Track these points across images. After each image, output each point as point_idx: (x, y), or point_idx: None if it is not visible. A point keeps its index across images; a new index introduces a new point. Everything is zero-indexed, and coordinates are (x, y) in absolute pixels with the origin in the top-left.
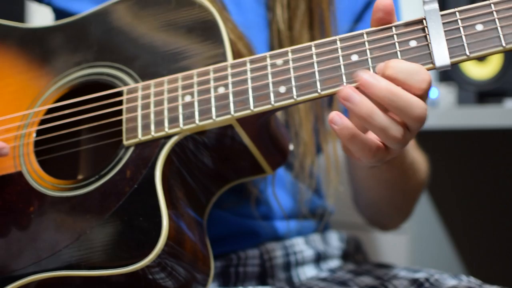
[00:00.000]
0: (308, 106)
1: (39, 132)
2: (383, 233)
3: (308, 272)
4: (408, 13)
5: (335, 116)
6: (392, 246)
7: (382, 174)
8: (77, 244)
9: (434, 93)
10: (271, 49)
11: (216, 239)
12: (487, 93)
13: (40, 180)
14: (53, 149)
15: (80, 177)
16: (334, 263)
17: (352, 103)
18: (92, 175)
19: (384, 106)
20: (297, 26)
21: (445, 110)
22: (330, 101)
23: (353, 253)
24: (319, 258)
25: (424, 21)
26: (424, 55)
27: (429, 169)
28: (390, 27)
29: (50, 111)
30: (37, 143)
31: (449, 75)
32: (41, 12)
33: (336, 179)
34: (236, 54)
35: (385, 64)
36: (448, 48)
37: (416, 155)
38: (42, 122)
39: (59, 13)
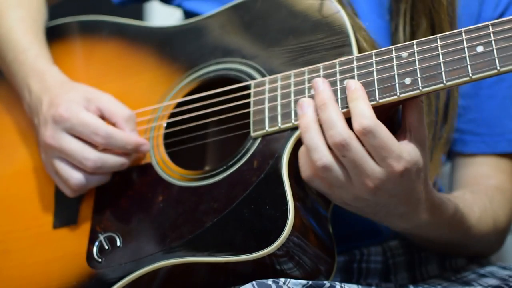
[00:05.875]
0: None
1: (168, 125)
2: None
3: (431, 271)
4: None
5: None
6: None
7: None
8: (204, 232)
9: None
10: None
11: (339, 236)
12: None
13: (168, 170)
14: (181, 141)
15: (207, 167)
16: (459, 263)
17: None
18: (219, 165)
19: None
20: None
21: None
22: (445, 115)
23: None
24: (443, 257)
25: None
26: None
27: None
28: None
29: (179, 105)
30: (166, 136)
31: None
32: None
33: None
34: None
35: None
36: None
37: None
38: (172, 115)
39: (189, 14)
